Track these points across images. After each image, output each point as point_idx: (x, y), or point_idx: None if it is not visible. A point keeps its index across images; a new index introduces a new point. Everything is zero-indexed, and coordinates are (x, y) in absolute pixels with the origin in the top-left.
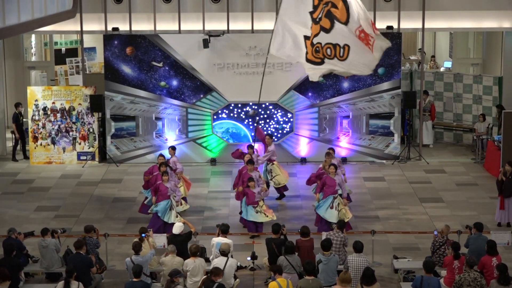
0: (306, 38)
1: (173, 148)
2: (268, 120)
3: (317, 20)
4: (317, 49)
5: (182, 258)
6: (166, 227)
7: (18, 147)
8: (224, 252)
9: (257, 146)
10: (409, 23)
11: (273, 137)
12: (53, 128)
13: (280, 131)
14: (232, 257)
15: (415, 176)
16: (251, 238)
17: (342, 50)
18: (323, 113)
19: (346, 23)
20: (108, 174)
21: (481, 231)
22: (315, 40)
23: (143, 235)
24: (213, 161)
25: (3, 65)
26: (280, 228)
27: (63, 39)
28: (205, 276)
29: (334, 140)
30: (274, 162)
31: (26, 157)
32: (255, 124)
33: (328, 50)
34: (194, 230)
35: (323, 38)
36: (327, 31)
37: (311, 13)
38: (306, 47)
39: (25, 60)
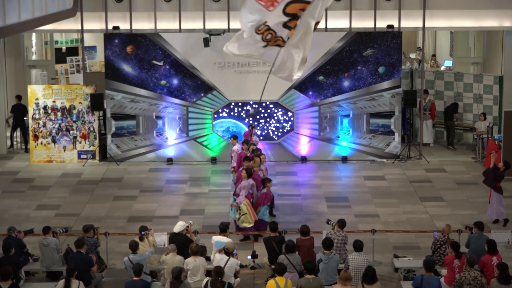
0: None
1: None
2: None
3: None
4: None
5: (183, 257)
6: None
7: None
8: (228, 251)
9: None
10: (410, 22)
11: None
12: (53, 127)
13: (280, 130)
14: (233, 256)
15: (416, 175)
16: (252, 238)
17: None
18: (324, 112)
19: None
20: (108, 173)
21: (482, 230)
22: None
23: (142, 233)
24: (213, 160)
25: (3, 64)
26: (277, 226)
27: (63, 37)
28: (209, 278)
29: (335, 139)
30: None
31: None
32: (250, 127)
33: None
34: (194, 241)
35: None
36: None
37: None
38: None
39: (25, 59)
